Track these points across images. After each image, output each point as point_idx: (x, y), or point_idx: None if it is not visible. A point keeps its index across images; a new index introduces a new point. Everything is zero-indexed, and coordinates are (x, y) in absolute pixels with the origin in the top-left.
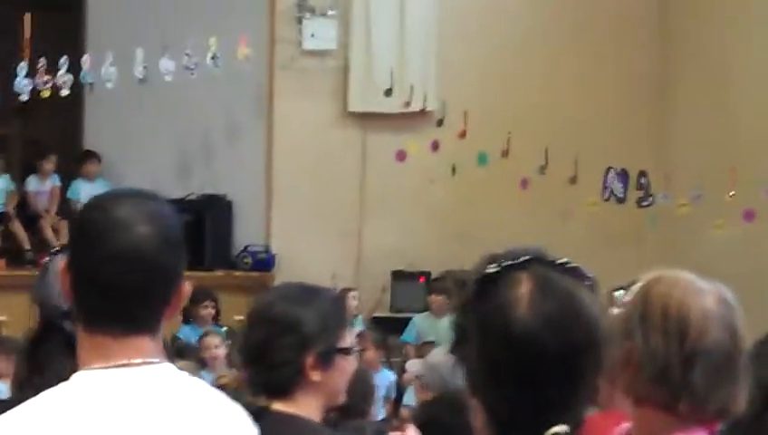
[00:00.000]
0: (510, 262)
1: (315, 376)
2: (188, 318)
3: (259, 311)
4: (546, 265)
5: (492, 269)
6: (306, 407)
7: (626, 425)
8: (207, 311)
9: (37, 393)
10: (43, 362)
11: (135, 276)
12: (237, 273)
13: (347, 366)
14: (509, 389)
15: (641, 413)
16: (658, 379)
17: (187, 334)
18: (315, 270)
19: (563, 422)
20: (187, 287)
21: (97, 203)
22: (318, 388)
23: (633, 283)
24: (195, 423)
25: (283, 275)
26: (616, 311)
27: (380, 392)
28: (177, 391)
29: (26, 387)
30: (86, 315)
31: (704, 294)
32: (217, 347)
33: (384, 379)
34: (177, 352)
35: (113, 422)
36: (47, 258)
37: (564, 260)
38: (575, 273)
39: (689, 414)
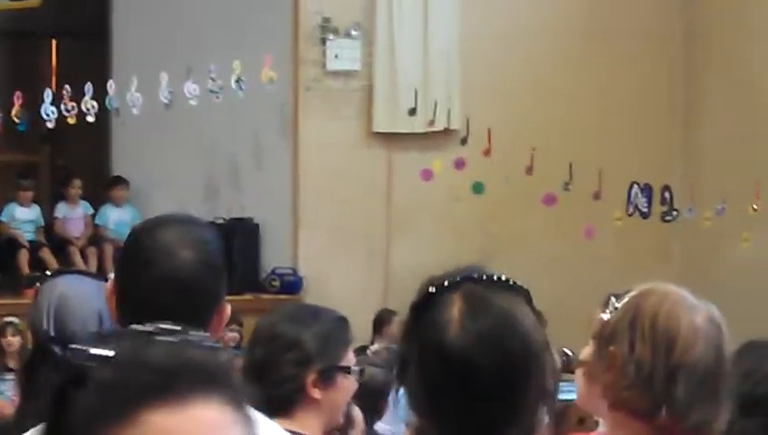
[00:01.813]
0: (441, 284)
1: (316, 394)
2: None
3: (262, 330)
4: (479, 282)
5: (424, 293)
6: (307, 425)
7: (602, 431)
8: (233, 335)
9: (37, 417)
10: (37, 388)
11: (176, 300)
12: (265, 296)
13: (348, 385)
14: (451, 410)
15: (617, 418)
16: (640, 387)
17: None
18: (343, 291)
19: (513, 433)
20: (227, 310)
21: (144, 228)
22: (318, 406)
23: (628, 291)
24: None
25: (312, 297)
26: (605, 316)
27: (398, 413)
28: None
29: (24, 412)
30: None
31: (694, 310)
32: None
33: (403, 399)
34: None
35: None
36: (37, 284)
37: (497, 275)
38: (509, 287)
39: (667, 425)
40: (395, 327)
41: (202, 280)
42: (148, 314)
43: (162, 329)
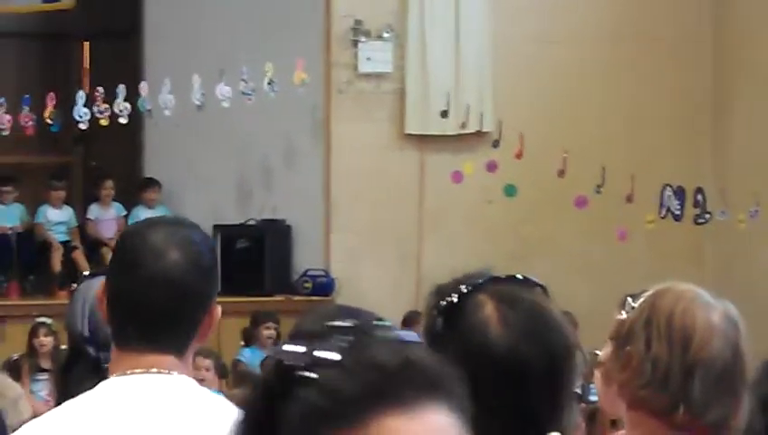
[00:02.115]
0: (467, 286)
1: None
2: (250, 340)
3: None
4: (501, 282)
5: (452, 298)
6: None
7: (622, 432)
8: (270, 332)
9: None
10: (72, 388)
11: (164, 300)
12: (297, 298)
13: None
14: (497, 408)
15: (634, 417)
16: (657, 385)
17: (248, 357)
18: (375, 293)
19: (553, 431)
20: (218, 311)
21: (134, 230)
22: None
23: (644, 291)
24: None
25: (344, 298)
26: (622, 316)
27: None
28: (188, 400)
29: None
30: (117, 334)
31: (710, 308)
32: None
33: None
34: (240, 377)
35: (126, 424)
36: (74, 284)
37: (512, 274)
38: (527, 283)
39: (684, 423)
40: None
41: (191, 281)
42: (137, 314)
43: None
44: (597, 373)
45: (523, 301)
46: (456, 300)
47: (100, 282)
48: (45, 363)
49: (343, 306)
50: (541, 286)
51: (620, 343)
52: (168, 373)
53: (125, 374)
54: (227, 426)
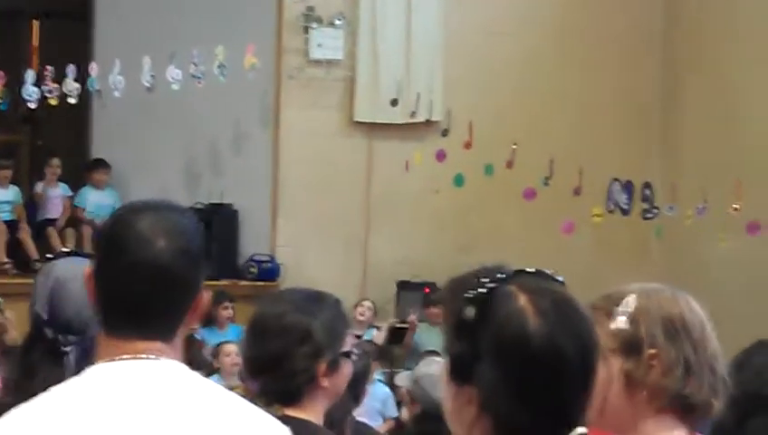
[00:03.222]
0: (493, 277)
1: (325, 382)
2: (207, 320)
3: (270, 320)
4: (527, 274)
5: (483, 288)
6: (314, 411)
7: None
8: (227, 311)
9: (30, 397)
10: (32, 369)
11: (151, 288)
12: (243, 282)
13: (348, 369)
14: (531, 400)
15: (663, 420)
16: (694, 385)
17: (205, 337)
18: (321, 280)
19: (580, 425)
20: (206, 297)
21: (120, 215)
22: (325, 392)
23: (617, 294)
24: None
25: (289, 284)
26: (622, 325)
27: (375, 405)
28: (183, 384)
29: (18, 391)
30: (104, 320)
31: (695, 304)
32: (238, 355)
33: (378, 392)
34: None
35: (115, 409)
36: (40, 265)
37: (532, 269)
38: (548, 277)
39: (708, 416)
40: (367, 312)
41: (178, 268)
42: (124, 301)
43: None
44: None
45: (553, 292)
46: (487, 289)
47: (83, 264)
48: None
49: (302, 290)
50: (559, 281)
51: (634, 350)
52: (156, 359)
53: (113, 360)
54: (217, 409)
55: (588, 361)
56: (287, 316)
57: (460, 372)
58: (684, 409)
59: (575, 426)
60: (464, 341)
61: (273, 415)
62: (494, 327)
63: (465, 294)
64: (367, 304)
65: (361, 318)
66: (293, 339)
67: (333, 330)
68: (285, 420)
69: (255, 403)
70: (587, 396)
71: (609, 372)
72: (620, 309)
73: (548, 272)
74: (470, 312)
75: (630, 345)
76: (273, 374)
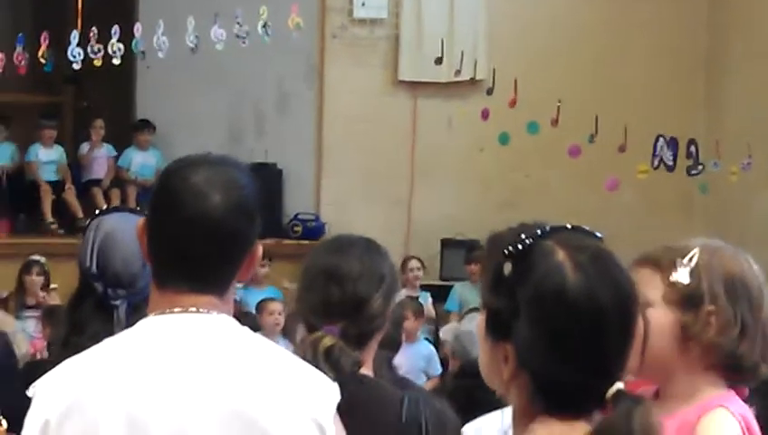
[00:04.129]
0: (531, 233)
1: (387, 326)
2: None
3: (348, 264)
4: (565, 230)
5: (522, 243)
6: (371, 356)
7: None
8: (264, 270)
9: (77, 353)
10: (81, 324)
11: (205, 242)
12: (287, 241)
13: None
14: (570, 355)
15: (709, 379)
16: (747, 345)
17: (242, 296)
18: None
19: (618, 381)
20: (259, 251)
21: (176, 169)
22: (380, 337)
23: (679, 247)
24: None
25: None
26: (684, 278)
27: (419, 364)
28: (234, 338)
29: (66, 346)
30: (158, 274)
31: (755, 265)
32: (280, 314)
33: (422, 350)
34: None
35: (166, 362)
36: (87, 221)
37: (572, 225)
38: (586, 232)
39: (736, 376)
40: (416, 272)
41: (233, 223)
42: (177, 256)
43: None
44: (661, 334)
45: (591, 247)
46: (526, 245)
47: (131, 218)
48: (32, 301)
49: (360, 237)
50: (597, 236)
51: (693, 305)
52: (208, 313)
53: (164, 313)
54: (268, 363)
55: (627, 314)
56: (364, 260)
57: (497, 328)
58: (733, 369)
59: (615, 381)
60: (501, 296)
61: (349, 368)
62: (532, 282)
63: (504, 250)
64: (415, 263)
65: (413, 277)
66: (374, 282)
67: (395, 274)
68: (359, 379)
69: (335, 347)
70: (626, 350)
71: (659, 323)
72: (684, 261)
73: (586, 228)
74: (508, 267)
75: (690, 299)
76: (354, 318)
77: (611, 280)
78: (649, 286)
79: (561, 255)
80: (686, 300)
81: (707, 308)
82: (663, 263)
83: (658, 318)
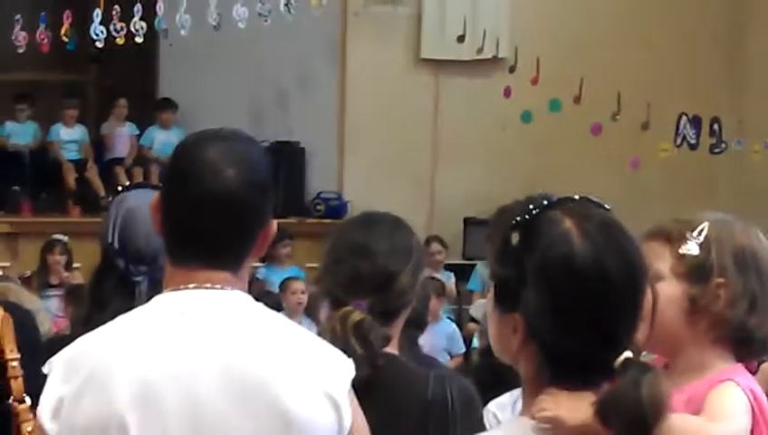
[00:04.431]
0: (538, 204)
1: (413, 302)
2: (265, 258)
3: (378, 239)
4: (572, 201)
5: (528, 214)
6: (397, 335)
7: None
8: (286, 250)
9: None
10: (103, 301)
11: (219, 218)
12: (310, 220)
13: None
14: (579, 324)
15: (719, 352)
16: (756, 320)
17: (265, 275)
18: None
19: (627, 350)
20: (273, 228)
21: (189, 145)
22: (406, 314)
23: (689, 219)
24: (270, 345)
25: None
26: (694, 250)
27: (441, 343)
28: (248, 314)
29: (88, 323)
30: (171, 250)
31: (764, 239)
32: (303, 293)
33: (444, 329)
34: (258, 294)
35: (180, 338)
36: (110, 198)
37: (580, 195)
38: (594, 203)
39: (744, 349)
40: (438, 256)
41: (247, 198)
42: (191, 231)
43: None
44: (669, 304)
45: (598, 216)
46: (533, 215)
47: (154, 195)
48: (54, 280)
49: (386, 214)
50: (605, 207)
51: (702, 277)
52: (222, 289)
53: (178, 289)
54: (282, 337)
55: (635, 283)
56: (393, 235)
57: (506, 298)
58: (741, 342)
59: (623, 350)
60: (509, 267)
61: (378, 344)
62: (540, 251)
63: (511, 221)
64: (436, 246)
65: (438, 257)
66: (402, 257)
67: (422, 251)
68: (386, 356)
69: (365, 322)
70: (634, 320)
71: (667, 295)
72: (694, 234)
73: (594, 198)
74: (515, 237)
75: (699, 271)
76: (383, 293)
77: (619, 248)
78: (659, 259)
79: (568, 223)
80: (695, 272)
81: (716, 281)
82: (673, 235)
83: (667, 290)
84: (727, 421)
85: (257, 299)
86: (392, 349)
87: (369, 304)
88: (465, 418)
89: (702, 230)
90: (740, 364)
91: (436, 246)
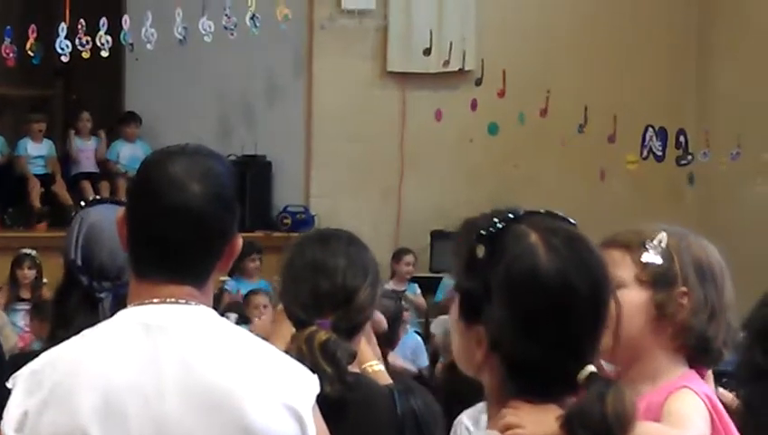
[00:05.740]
0: (505, 217)
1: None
2: (234, 271)
3: (335, 256)
4: (538, 214)
5: (494, 227)
6: (358, 350)
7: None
8: (255, 264)
9: None
10: (67, 317)
11: (184, 232)
12: (276, 233)
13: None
14: (541, 337)
15: (676, 359)
16: (714, 328)
17: (233, 287)
18: (355, 230)
19: (591, 363)
20: (239, 243)
21: (154, 160)
22: (370, 329)
23: (647, 230)
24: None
25: None
26: (656, 259)
27: (405, 355)
28: (212, 329)
29: (52, 340)
30: (136, 265)
31: (716, 251)
32: (265, 307)
33: (409, 342)
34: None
35: (143, 352)
36: (73, 214)
37: (545, 210)
38: (559, 217)
39: (702, 358)
40: (407, 267)
41: (212, 213)
42: (156, 246)
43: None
44: (633, 312)
45: (564, 230)
46: (498, 228)
47: (117, 210)
48: (25, 294)
49: (342, 231)
50: (571, 222)
51: (666, 285)
52: (186, 303)
53: (143, 304)
54: (246, 352)
55: (599, 297)
56: (350, 252)
57: (470, 310)
58: (701, 351)
59: (586, 363)
60: (474, 279)
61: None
62: (505, 264)
63: (475, 234)
64: (410, 257)
65: (406, 271)
66: (360, 273)
67: (377, 266)
68: (353, 375)
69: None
70: (598, 333)
71: (633, 302)
72: (654, 243)
73: (560, 213)
74: (481, 250)
75: (663, 279)
76: (345, 310)
77: (584, 263)
78: (620, 267)
79: (533, 237)
80: (659, 280)
81: (680, 289)
82: (632, 244)
83: (631, 298)
84: (688, 427)
85: (226, 309)
86: (354, 366)
87: (332, 321)
88: (433, 428)
89: (661, 240)
90: (693, 371)
91: (409, 258)
